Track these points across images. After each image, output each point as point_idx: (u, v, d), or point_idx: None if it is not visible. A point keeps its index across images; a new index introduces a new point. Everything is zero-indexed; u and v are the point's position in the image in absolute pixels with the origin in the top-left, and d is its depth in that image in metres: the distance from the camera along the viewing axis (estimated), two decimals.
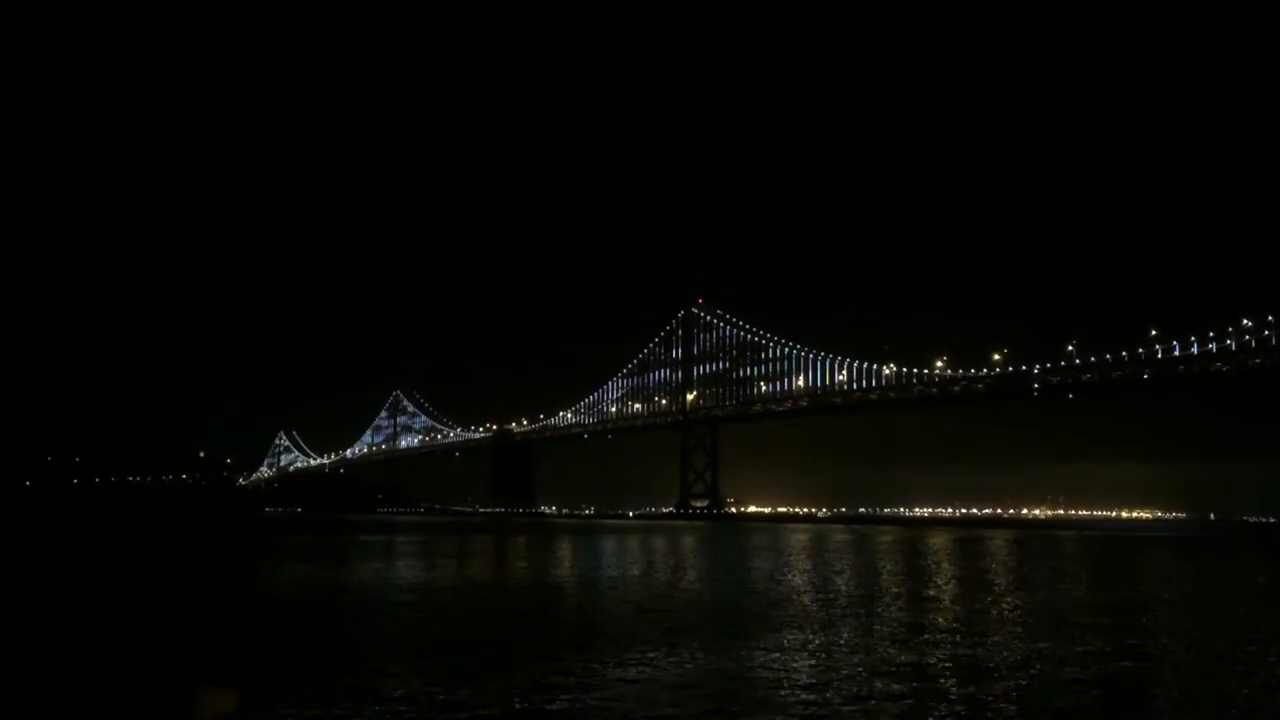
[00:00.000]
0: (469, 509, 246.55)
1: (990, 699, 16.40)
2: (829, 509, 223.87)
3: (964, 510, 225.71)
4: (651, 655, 20.08)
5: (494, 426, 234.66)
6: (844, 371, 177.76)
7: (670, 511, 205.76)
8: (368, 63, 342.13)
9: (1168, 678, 19.38)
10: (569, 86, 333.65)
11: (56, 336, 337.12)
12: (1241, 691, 17.85)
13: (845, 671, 18.70)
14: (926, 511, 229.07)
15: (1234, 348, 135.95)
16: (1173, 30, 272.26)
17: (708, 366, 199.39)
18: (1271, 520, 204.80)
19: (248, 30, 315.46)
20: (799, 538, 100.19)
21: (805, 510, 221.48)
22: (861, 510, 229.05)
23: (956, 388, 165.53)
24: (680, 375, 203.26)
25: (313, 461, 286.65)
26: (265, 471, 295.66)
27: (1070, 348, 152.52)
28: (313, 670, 18.55)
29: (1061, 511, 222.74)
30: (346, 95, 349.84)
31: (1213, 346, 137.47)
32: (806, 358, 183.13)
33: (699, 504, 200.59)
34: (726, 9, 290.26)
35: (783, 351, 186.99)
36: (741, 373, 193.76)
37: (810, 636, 23.26)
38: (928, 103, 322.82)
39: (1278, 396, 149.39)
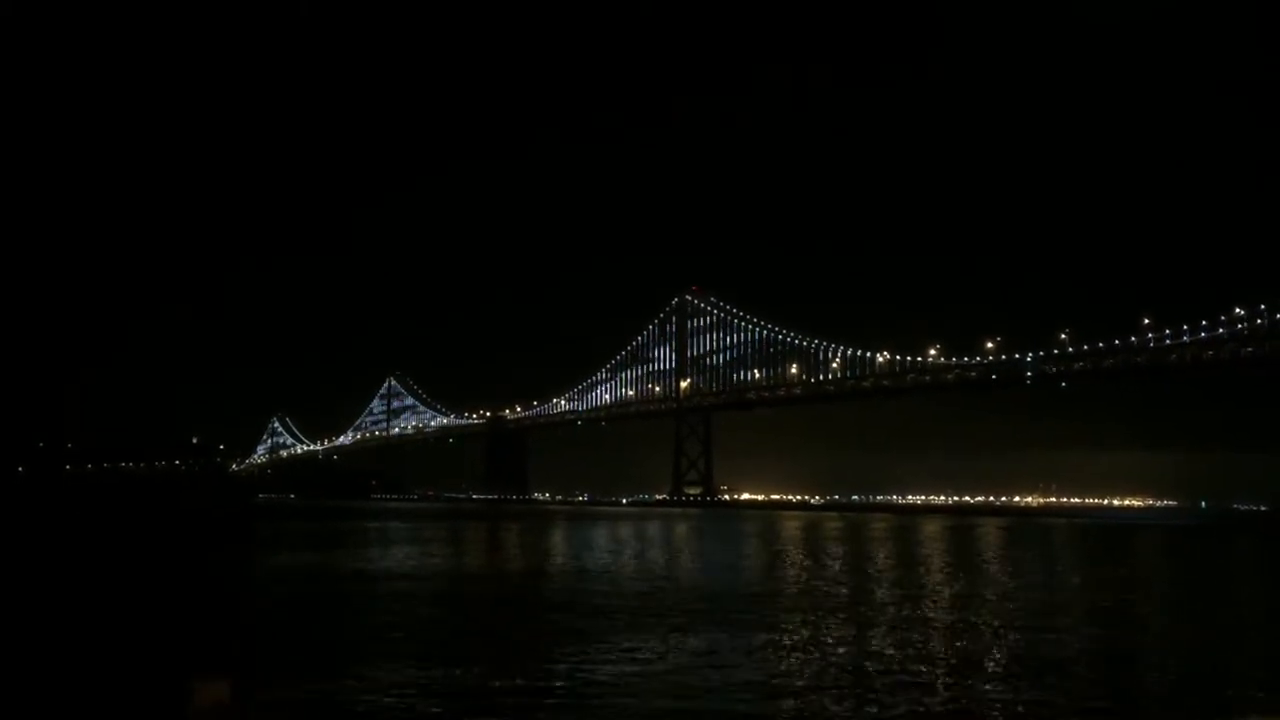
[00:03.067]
0: (463, 496, 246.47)
1: (984, 687, 16.47)
2: (822, 496, 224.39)
3: (956, 498, 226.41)
4: (645, 643, 20.12)
5: (488, 413, 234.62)
6: (837, 359, 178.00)
7: (664, 499, 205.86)
8: (351, 44, 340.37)
9: (1161, 662, 19.48)
10: (563, 79, 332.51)
11: (47, 323, 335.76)
12: (1231, 668, 17.95)
13: (838, 659, 18.77)
14: (919, 499, 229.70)
15: (1226, 336, 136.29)
16: (1162, 19, 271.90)
17: (701, 354, 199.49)
18: (1262, 508, 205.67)
19: (243, 19, 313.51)
20: (792, 525, 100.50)
21: (798, 498, 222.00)
22: (855, 498, 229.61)
23: (949, 376, 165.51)
24: (674, 363, 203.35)
25: (306, 447, 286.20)
26: (258, 458, 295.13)
27: (1063, 336, 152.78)
28: (306, 658, 18.55)
29: (1053, 499, 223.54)
30: (333, 77, 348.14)
31: (1205, 335, 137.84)
32: (800, 345, 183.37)
33: (692, 491, 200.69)
34: None
35: (776, 339, 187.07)
36: (735, 360, 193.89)
37: (803, 624, 23.33)
38: (918, 87, 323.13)
39: (1270, 385, 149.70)
